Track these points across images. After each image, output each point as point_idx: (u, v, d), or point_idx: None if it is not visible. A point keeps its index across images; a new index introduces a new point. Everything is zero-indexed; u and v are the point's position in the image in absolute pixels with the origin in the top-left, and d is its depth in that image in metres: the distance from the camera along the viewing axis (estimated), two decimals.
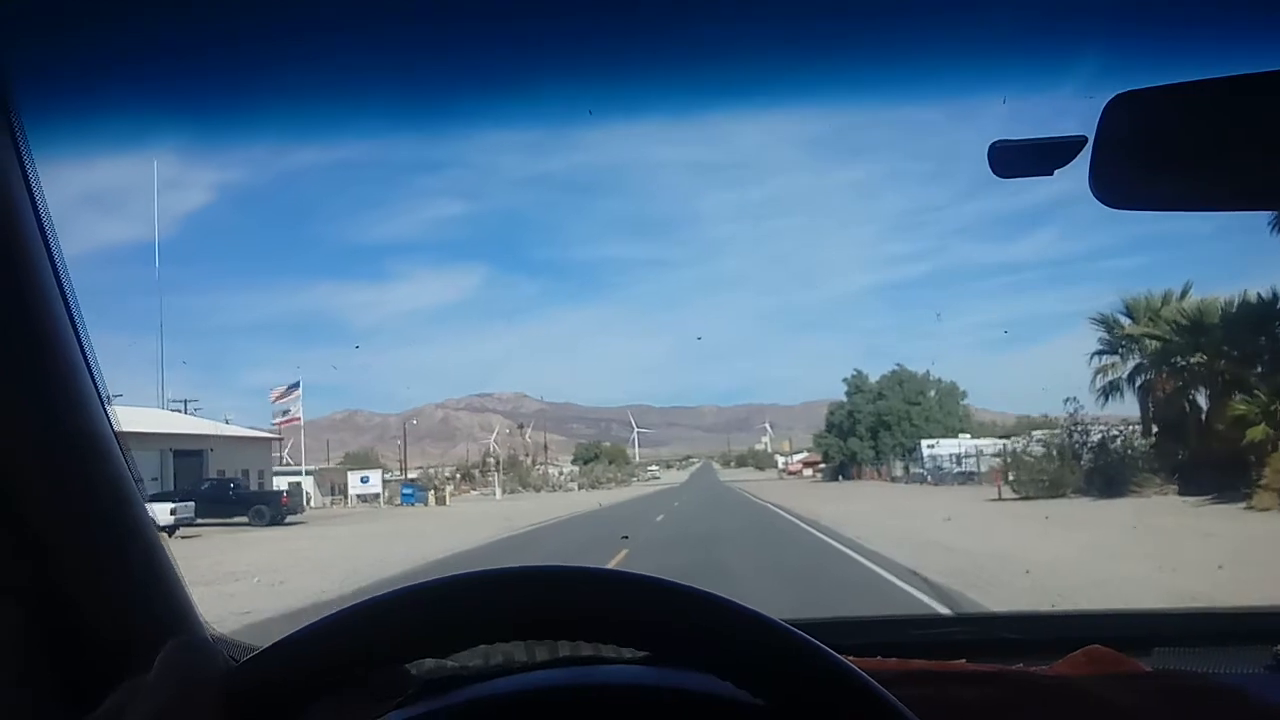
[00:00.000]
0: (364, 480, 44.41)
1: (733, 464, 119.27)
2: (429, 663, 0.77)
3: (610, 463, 78.68)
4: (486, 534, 20.98)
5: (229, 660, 0.54)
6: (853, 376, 55.22)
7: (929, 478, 37.79)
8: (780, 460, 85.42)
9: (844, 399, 54.72)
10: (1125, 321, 25.26)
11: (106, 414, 0.86)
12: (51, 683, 0.83)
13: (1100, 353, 25.74)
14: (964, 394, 53.85)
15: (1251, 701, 0.93)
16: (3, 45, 0.77)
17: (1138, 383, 25.13)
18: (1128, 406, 25.65)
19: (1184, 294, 24.27)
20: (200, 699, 0.49)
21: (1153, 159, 0.72)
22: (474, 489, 56.15)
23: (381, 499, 42.33)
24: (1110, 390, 25.47)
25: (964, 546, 13.51)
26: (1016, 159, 0.81)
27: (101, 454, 0.85)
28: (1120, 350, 25.39)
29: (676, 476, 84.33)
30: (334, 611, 0.54)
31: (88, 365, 0.84)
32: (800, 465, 68.34)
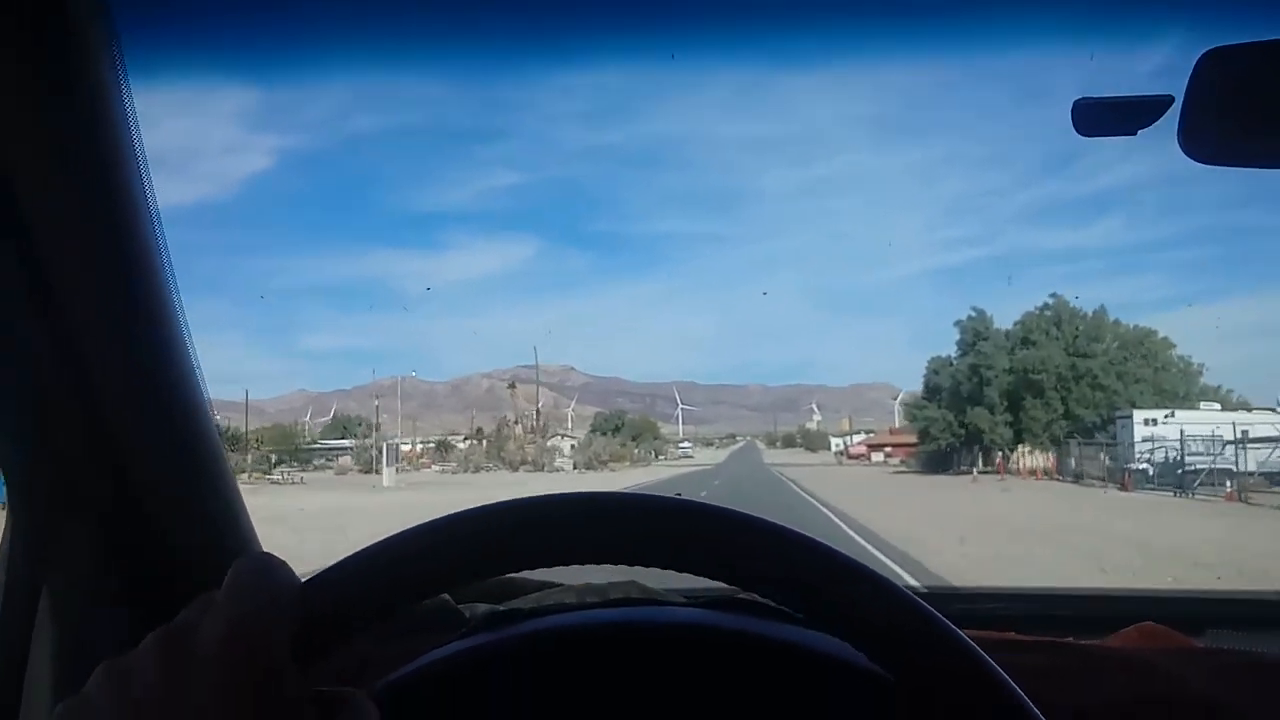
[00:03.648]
0: None
1: (779, 444, 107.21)
2: (482, 607, 0.80)
3: (634, 438, 66.78)
4: None
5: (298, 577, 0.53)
6: (970, 319, 35.75)
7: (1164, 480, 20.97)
8: (836, 442, 72.92)
9: (951, 354, 35.93)
10: None
11: (188, 344, 0.90)
12: (128, 597, 0.89)
13: None
14: (1169, 343, 33.18)
15: None
16: None
17: None
18: None
19: None
20: (274, 614, 0.48)
21: (1247, 114, 0.72)
22: (433, 464, 46.11)
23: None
24: None
25: None
26: (1101, 117, 0.81)
27: (184, 382, 0.89)
28: None
29: (714, 456, 72.34)
30: (412, 527, 0.51)
31: (175, 300, 0.88)
32: (865, 448, 55.68)
